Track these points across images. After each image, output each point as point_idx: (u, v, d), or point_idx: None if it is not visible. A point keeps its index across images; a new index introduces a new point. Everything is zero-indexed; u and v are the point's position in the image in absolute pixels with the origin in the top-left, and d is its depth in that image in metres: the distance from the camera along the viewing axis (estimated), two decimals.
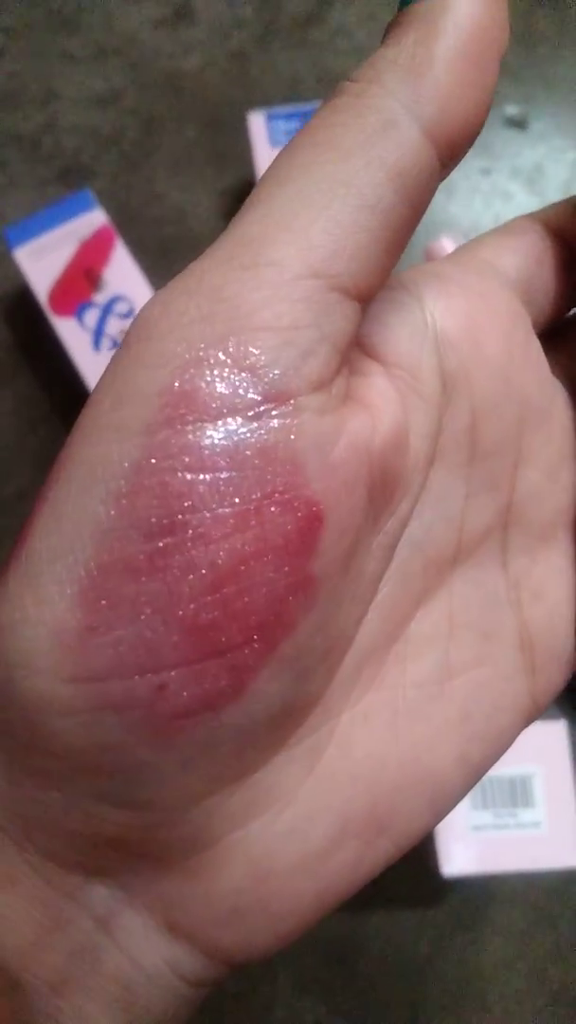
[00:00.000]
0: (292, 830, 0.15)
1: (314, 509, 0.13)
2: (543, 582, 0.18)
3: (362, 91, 0.13)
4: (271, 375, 0.12)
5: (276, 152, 0.50)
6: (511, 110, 0.57)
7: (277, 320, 0.12)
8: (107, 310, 0.46)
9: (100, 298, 0.46)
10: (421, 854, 0.41)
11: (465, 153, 0.14)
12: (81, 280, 0.46)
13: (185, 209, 0.54)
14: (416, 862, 0.44)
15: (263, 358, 0.12)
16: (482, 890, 0.44)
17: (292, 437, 0.12)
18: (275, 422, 0.12)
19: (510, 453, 0.17)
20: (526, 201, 0.56)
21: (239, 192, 0.54)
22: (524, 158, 0.57)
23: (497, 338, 0.16)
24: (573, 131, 0.57)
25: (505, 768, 0.38)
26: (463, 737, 0.17)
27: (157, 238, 0.53)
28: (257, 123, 0.50)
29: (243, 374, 0.12)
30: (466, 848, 0.37)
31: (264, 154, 0.49)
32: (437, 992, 0.43)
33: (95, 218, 0.47)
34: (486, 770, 0.18)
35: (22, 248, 0.46)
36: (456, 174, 0.56)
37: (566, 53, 0.58)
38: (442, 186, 0.56)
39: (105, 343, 0.45)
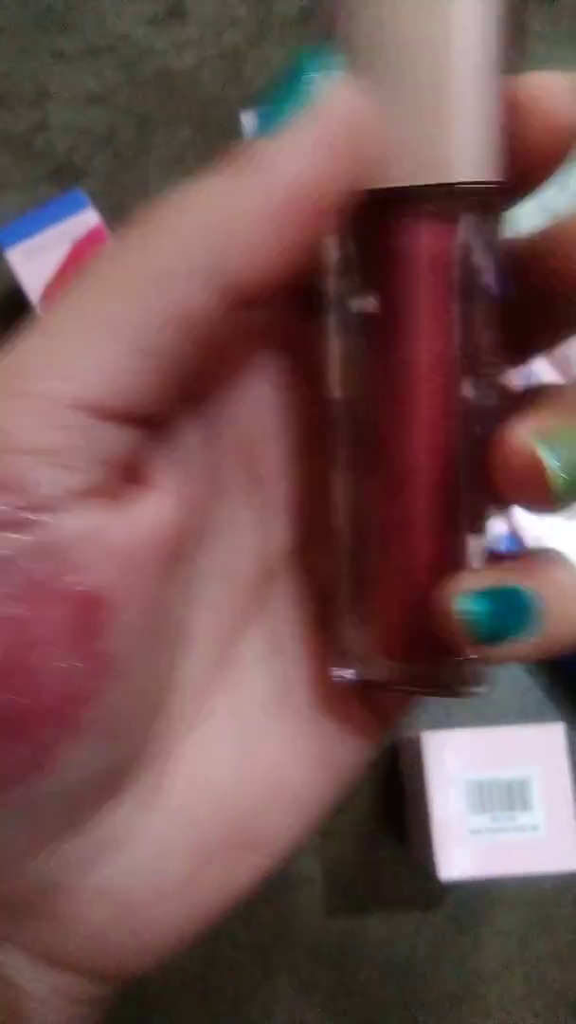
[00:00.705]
0: (146, 866, 0.16)
1: (94, 597, 0.14)
2: None
3: (175, 226, 0.13)
4: (38, 492, 0.13)
5: None
6: None
7: (43, 444, 0.13)
8: None
9: None
10: (419, 857, 0.41)
11: (277, 297, 0.14)
12: None
13: None
14: (414, 865, 0.44)
15: (29, 476, 0.13)
16: (480, 893, 0.44)
17: (61, 540, 0.13)
18: (43, 531, 0.13)
19: (291, 474, 0.18)
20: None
21: None
22: None
23: (258, 370, 0.17)
24: None
25: (503, 771, 0.37)
26: (317, 741, 0.18)
27: None
28: (251, 123, 0.49)
29: (10, 492, 0.13)
30: (464, 852, 0.36)
31: None
32: (435, 995, 0.43)
33: (88, 218, 0.46)
34: (351, 771, 0.18)
35: (14, 249, 0.46)
36: None
37: (561, 52, 0.58)
38: None
39: None
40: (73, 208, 0.47)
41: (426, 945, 0.43)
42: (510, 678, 0.47)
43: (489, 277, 0.15)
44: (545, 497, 0.14)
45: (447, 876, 0.36)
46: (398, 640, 0.16)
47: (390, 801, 0.45)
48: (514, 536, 0.45)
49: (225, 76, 0.57)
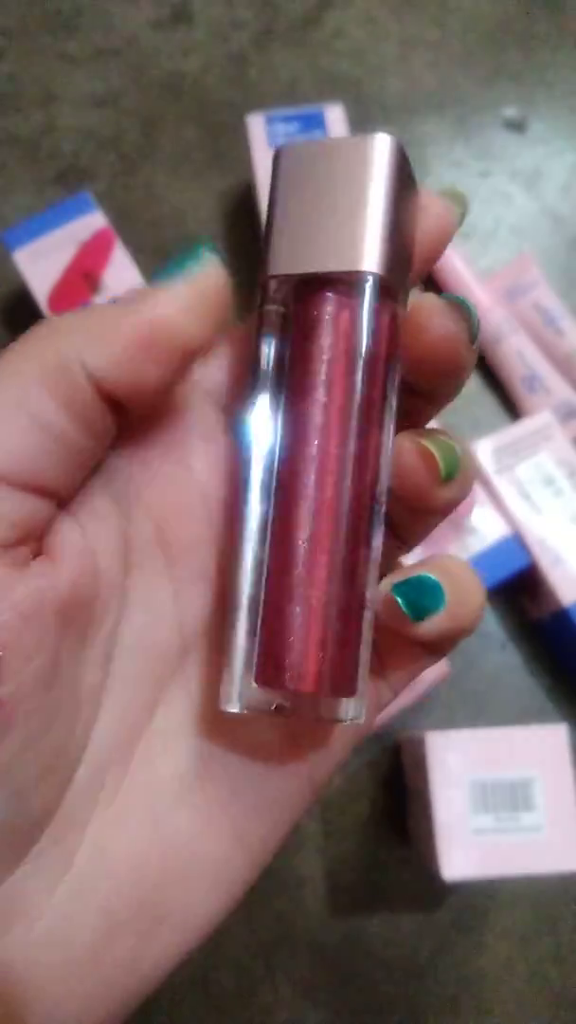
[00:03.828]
0: (51, 938, 0.16)
1: None
2: None
3: (55, 331, 0.16)
4: None
5: None
6: (510, 112, 0.57)
7: None
8: None
9: (100, 300, 0.46)
10: (421, 857, 0.41)
11: (142, 410, 0.17)
12: (80, 282, 0.46)
13: (184, 211, 0.54)
14: (416, 865, 0.44)
15: None
16: (482, 893, 0.44)
17: None
18: None
19: (208, 545, 0.19)
20: (525, 203, 0.56)
21: (238, 194, 0.54)
22: (523, 160, 0.57)
23: (167, 453, 0.19)
24: (572, 133, 0.57)
25: (506, 771, 0.38)
26: (234, 816, 0.18)
27: (156, 240, 0.53)
28: (256, 125, 0.50)
29: None
30: (467, 852, 0.37)
31: (263, 156, 0.49)
32: (438, 995, 0.43)
33: (95, 220, 0.47)
34: (269, 850, 0.19)
35: (21, 250, 0.46)
36: (455, 176, 0.56)
37: (565, 56, 0.58)
38: None
39: None
40: (80, 210, 0.47)
41: (428, 945, 0.44)
42: (513, 680, 0.47)
43: (380, 349, 0.18)
44: (435, 477, 0.18)
45: (450, 876, 0.36)
46: (298, 666, 0.17)
47: (392, 801, 0.45)
48: (517, 538, 0.45)
49: (230, 79, 0.57)
